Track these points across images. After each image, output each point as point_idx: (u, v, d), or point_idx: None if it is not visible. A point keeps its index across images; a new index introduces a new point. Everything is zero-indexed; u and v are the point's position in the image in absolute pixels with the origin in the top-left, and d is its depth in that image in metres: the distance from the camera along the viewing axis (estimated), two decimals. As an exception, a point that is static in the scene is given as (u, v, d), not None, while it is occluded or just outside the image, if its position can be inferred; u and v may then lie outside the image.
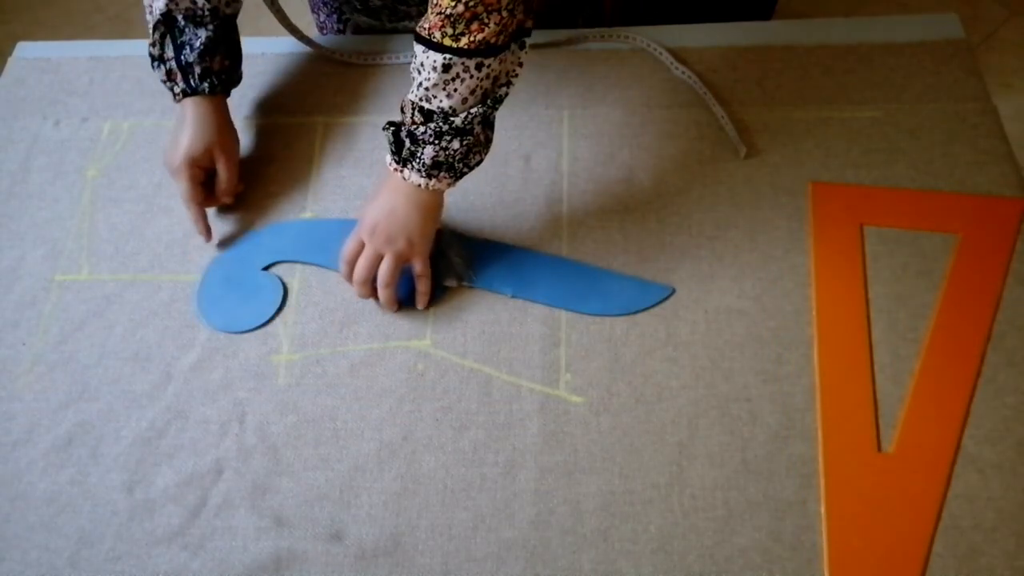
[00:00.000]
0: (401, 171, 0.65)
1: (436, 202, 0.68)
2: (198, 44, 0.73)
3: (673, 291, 0.71)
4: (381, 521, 0.64)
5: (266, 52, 0.89)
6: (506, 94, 0.64)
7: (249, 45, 0.91)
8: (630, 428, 0.66)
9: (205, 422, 0.69)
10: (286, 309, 0.73)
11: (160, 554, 0.64)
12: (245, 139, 0.83)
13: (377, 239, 0.67)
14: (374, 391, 0.69)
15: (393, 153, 0.66)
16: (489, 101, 0.62)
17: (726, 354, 0.68)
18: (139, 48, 0.91)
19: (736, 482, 0.63)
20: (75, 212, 0.80)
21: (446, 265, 0.73)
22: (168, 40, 0.73)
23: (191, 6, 0.72)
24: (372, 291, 0.70)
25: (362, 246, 0.69)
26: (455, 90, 0.61)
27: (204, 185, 0.75)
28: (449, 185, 0.66)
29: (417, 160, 0.64)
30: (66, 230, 0.79)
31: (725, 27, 0.87)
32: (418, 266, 0.69)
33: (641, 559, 0.61)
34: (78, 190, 0.82)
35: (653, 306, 0.71)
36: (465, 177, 0.67)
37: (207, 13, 0.73)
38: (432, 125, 0.62)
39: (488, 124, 0.64)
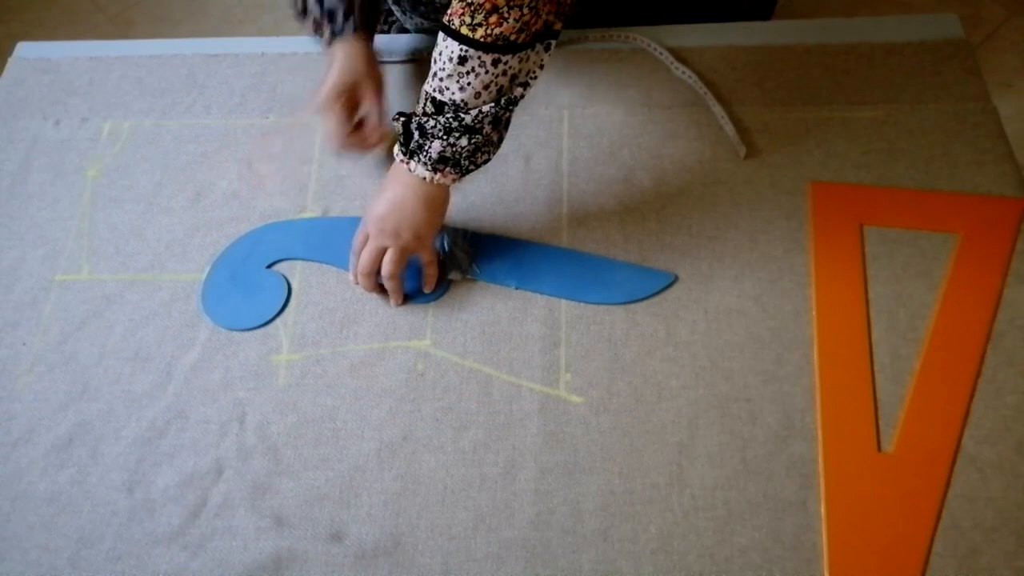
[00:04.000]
0: (408, 162, 0.65)
1: (442, 196, 0.68)
2: None
3: (676, 278, 0.72)
4: (381, 521, 0.64)
5: (266, 52, 0.89)
6: (523, 95, 0.63)
7: (249, 45, 0.91)
8: (630, 428, 0.66)
9: (205, 422, 0.69)
10: (286, 309, 0.73)
11: (160, 554, 0.64)
12: (244, 139, 0.83)
13: (383, 232, 0.68)
14: (374, 391, 0.69)
15: (401, 144, 0.66)
16: (503, 100, 0.62)
17: (726, 354, 0.68)
18: (139, 48, 0.92)
19: (736, 482, 0.63)
20: (75, 212, 0.80)
21: (450, 259, 0.73)
22: None
23: None
24: (376, 284, 0.71)
25: (363, 241, 0.69)
26: (468, 84, 0.60)
27: (350, 124, 0.74)
28: (454, 180, 0.66)
29: (424, 153, 0.64)
30: (66, 230, 0.79)
31: (725, 27, 0.87)
32: (425, 256, 0.70)
33: (641, 559, 0.61)
34: (78, 190, 0.82)
35: (657, 293, 0.71)
36: (472, 174, 0.67)
37: None
38: (442, 119, 0.62)
39: (499, 124, 0.64)
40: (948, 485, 0.62)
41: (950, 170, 0.75)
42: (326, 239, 0.76)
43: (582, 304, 0.71)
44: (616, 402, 0.67)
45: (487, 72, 0.59)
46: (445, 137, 0.62)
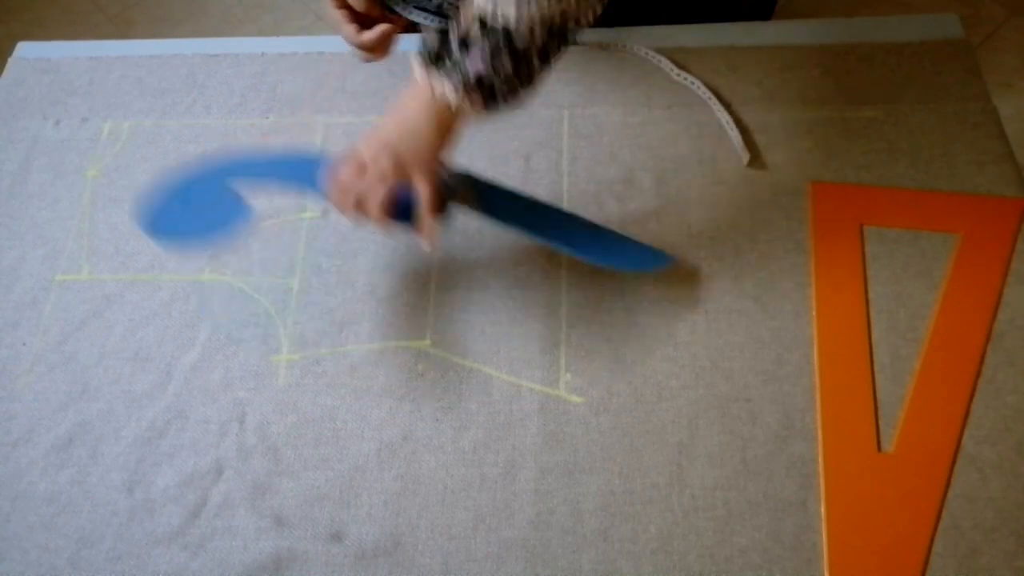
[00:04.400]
0: (432, 80, 0.58)
1: (455, 128, 0.61)
2: None
3: (674, 259, 0.72)
4: (381, 521, 0.64)
5: (266, 52, 0.89)
6: (575, 35, 0.58)
7: (249, 45, 0.91)
8: (630, 428, 0.66)
9: (205, 422, 0.69)
10: (286, 309, 0.73)
11: (160, 554, 0.64)
12: (244, 139, 0.83)
13: (378, 147, 0.59)
14: (374, 391, 0.69)
15: (430, 57, 0.58)
16: (556, 40, 0.57)
17: (726, 354, 0.68)
18: (139, 48, 0.92)
19: (736, 482, 0.63)
20: (75, 212, 0.80)
21: (450, 190, 0.64)
22: None
23: None
24: (359, 209, 0.60)
25: (355, 168, 0.60)
26: (524, 13, 0.54)
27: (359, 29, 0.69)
28: (477, 112, 0.59)
29: (459, 69, 0.57)
30: (66, 230, 0.79)
31: (725, 27, 0.87)
32: (423, 187, 0.59)
33: (641, 559, 0.61)
34: (78, 190, 0.82)
35: (653, 270, 0.72)
36: (493, 114, 0.60)
37: None
38: (491, 39, 0.56)
39: (546, 61, 0.58)
40: (948, 485, 0.62)
41: (950, 170, 0.75)
42: (295, 167, 0.68)
43: (582, 304, 0.71)
44: (616, 402, 0.67)
45: (548, 5, 0.55)
46: (489, 57, 0.56)
